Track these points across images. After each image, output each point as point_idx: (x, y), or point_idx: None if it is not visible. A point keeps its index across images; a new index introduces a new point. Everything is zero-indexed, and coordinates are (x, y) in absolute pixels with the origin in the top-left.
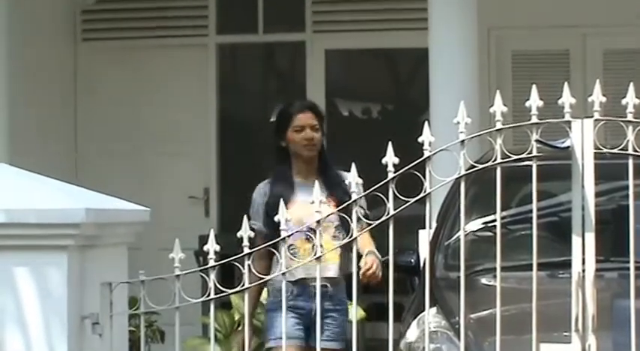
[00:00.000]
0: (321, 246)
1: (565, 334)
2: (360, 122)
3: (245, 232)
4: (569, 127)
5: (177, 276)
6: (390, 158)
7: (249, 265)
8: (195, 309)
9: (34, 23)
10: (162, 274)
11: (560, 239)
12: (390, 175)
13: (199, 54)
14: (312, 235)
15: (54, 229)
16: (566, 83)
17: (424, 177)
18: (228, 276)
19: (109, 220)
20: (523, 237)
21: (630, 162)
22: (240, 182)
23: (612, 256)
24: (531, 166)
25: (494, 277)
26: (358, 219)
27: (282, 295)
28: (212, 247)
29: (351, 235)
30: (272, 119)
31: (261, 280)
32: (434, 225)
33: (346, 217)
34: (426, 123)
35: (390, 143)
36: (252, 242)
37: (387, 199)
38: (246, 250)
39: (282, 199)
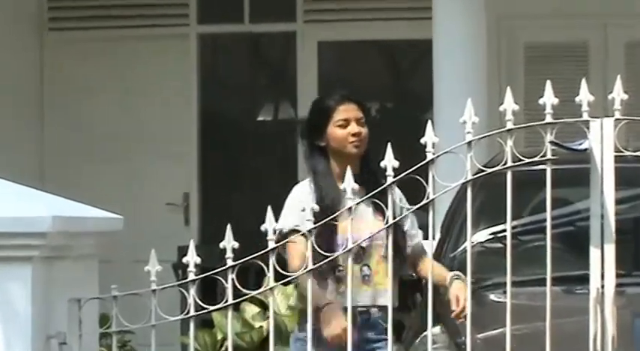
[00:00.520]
0: (369, 268)
1: None
2: None
3: (229, 243)
4: (587, 128)
5: (154, 291)
6: (389, 161)
7: (232, 280)
8: (174, 328)
9: None
10: (137, 288)
11: (577, 251)
12: (389, 180)
13: (179, 45)
14: (361, 255)
15: (17, 239)
16: (584, 79)
17: (427, 182)
18: (210, 291)
19: (78, 229)
20: (536, 249)
21: None
22: (224, 187)
23: (634, 270)
24: (545, 170)
25: (505, 292)
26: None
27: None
28: (192, 259)
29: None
30: (306, 115)
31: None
32: (438, 235)
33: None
34: (429, 122)
35: (389, 145)
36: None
37: (387, 205)
38: (230, 263)
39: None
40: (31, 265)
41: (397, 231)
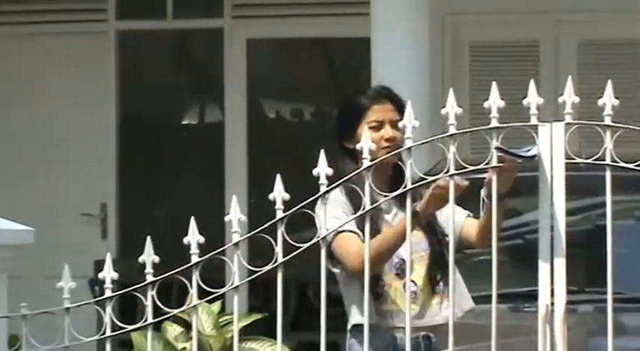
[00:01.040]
0: (415, 283)
1: None
2: (289, 125)
3: (148, 257)
4: (536, 133)
5: (67, 309)
6: (323, 169)
7: (152, 297)
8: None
9: None
10: (50, 306)
11: (525, 266)
12: (322, 190)
13: (96, 43)
14: (405, 270)
15: None
16: (532, 80)
17: (363, 191)
18: (130, 309)
19: None
20: (481, 263)
21: (608, 174)
22: (145, 196)
23: (587, 287)
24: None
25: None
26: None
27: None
28: (109, 274)
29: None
30: (335, 113)
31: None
32: None
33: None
34: (366, 127)
35: (321, 151)
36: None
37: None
38: (150, 278)
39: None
40: None
41: (439, 239)
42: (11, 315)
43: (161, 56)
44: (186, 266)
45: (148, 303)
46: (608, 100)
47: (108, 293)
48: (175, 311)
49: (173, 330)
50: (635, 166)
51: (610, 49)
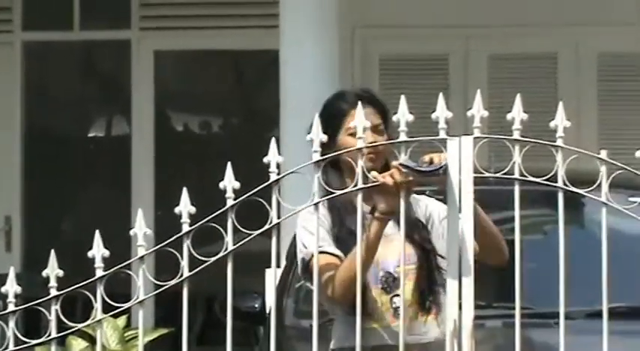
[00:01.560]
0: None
1: None
2: (197, 138)
3: (52, 271)
4: (445, 147)
5: None
6: (230, 182)
7: (56, 311)
8: None
9: None
10: None
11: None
12: (229, 203)
13: (1, 54)
14: (391, 284)
15: None
16: (441, 94)
17: (270, 205)
18: (35, 324)
19: None
20: None
21: (517, 188)
22: (51, 209)
23: (495, 302)
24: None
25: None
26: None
27: None
28: (12, 288)
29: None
30: (316, 117)
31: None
32: (283, 263)
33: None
34: (273, 140)
35: (229, 164)
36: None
37: (226, 231)
38: (54, 292)
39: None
40: None
41: (429, 253)
42: None
43: (68, 67)
44: (90, 280)
45: (52, 317)
46: (517, 114)
47: (11, 307)
48: (80, 326)
49: (78, 345)
50: (544, 180)
51: (522, 63)
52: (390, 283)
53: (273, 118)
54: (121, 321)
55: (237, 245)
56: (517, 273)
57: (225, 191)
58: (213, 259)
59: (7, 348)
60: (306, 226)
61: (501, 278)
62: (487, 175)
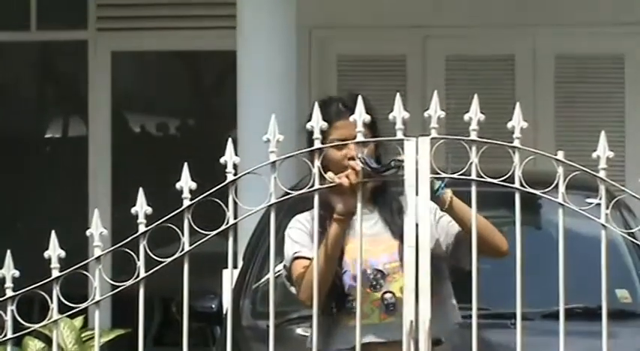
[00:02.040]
0: (393, 295)
1: None
2: (154, 139)
3: (8, 271)
4: (402, 147)
5: None
6: (186, 183)
7: (12, 311)
8: None
9: None
10: None
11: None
12: (186, 204)
13: None
14: (380, 281)
15: None
16: (398, 94)
17: (227, 206)
18: None
19: None
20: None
21: (473, 189)
22: (6, 210)
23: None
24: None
25: (310, 326)
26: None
27: None
28: None
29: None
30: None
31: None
32: (240, 264)
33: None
34: (229, 140)
35: (185, 165)
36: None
37: (182, 232)
38: (10, 293)
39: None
40: None
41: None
42: None
43: (24, 68)
44: (46, 280)
45: (8, 318)
46: (474, 115)
47: None
48: (36, 326)
49: (34, 345)
50: (501, 181)
51: (479, 65)
52: (379, 280)
53: (231, 119)
54: (78, 322)
55: (194, 246)
56: (474, 274)
57: (181, 192)
58: (169, 259)
59: None
60: (289, 234)
61: (458, 279)
62: (444, 175)
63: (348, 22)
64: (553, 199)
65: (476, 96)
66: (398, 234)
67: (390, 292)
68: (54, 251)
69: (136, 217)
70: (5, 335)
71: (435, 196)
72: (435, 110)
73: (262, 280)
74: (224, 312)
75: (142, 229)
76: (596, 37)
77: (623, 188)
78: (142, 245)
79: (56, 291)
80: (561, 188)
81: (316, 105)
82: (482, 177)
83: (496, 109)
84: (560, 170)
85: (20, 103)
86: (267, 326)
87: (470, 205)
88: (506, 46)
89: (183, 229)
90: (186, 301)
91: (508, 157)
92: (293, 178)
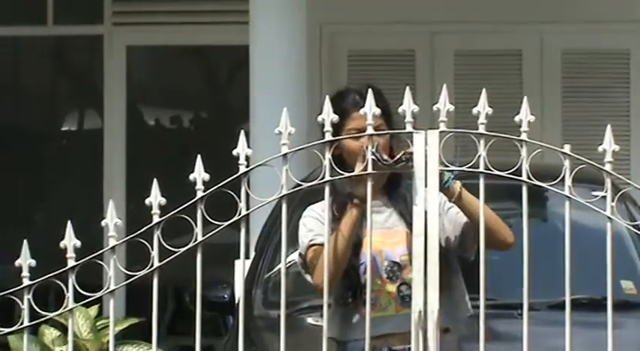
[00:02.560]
0: (409, 287)
1: None
2: (168, 132)
3: (25, 261)
4: (411, 140)
5: None
6: (199, 174)
7: (28, 300)
8: None
9: None
10: None
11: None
12: (199, 195)
13: None
14: (397, 273)
15: None
16: (407, 88)
17: (239, 197)
18: (9, 314)
19: None
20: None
21: (481, 181)
22: (23, 202)
23: None
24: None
25: (322, 316)
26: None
27: None
28: None
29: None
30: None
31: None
32: (252, 254)
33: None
34: (242, 133)
35: (199, 157)
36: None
37: (195, 222)
38: (26, 282)
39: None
40: None
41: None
42: None
43: (42, 62)
44: (62, 270)
45: (25, 306)
46: (482, 109)
47: None
48: (52, 314)
49: (50, 333)
50: (508, 174)
51: (487, 60)
52: (396, 272)
53: (244, 112)
54: (93, 310)
55: (207, 236)
56: (482, 265)
57: (195, 183)
58: (183, 249)
59: None
60: (304, 223)
61: (466, 270)
62: (452, 168)
63: (358, 18)
64: (560, 191)
65: (484, 90)
66: (408, 227)
67: (406, 283)
68: (69, 241)
69: (150, 207)
70: (22, 323)
71: (445, 187)
72: (443, 104)
73: (274, 270)
74: (236, 301)
75: (156, 219)
76: (601, 33)
77: (628, 181)
78: (156, 235)
79: (72, 280)
80: (568, 181)
81: (327, 99)
82: (490, 170)
83: (504, 104)
84: (567, 163)
85: (37, 98)
86: (279, 316)
87: (478, 197)
88: (513, 42)
89: (196, 219)
90: (199, 290)
91: (515, 151)
92: (305, 169)
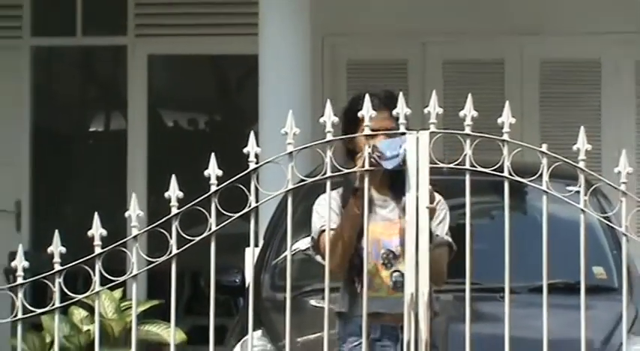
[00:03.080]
0: (402, 274)
1: None
2: (185, 133)
3: (56, 248)
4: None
5: None
6: (213, 170)
7: (59, 283)
8: (4, 331)
9: None
10: None
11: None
12: (213, 189)
13: (12, 57)
14: (392, 260)
15: None
16: (400, 93)
17: (249, 191)
18: (42, 296)
19: None
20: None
21: (467, 177)
22: (55, 195)
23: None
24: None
25: (324, 298)
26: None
27: (353, 339)
28: (20, 263)
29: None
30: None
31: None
32: (261, 243)
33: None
34: (252, 133)
35: (212, 155)
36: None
37: (210, 214)
38: (57, 267)
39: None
40: None
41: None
42: None
43: (71, 70)
44: (90, 256)
45: (56, 289)
46: (468, 112)
47: (19, 280)
48: (80, 297)
49: (79, 314)
50: (492, 170)
51: (473, 68)
52: (391, 260)
53: (253, 114)
54: (117, 293)
55: (220, 226)
56: (467, 253)
57: (209, 178)
58: (198, 238)
59: (16, 316)
60: (317, 210)
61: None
62: (441, 165)
63: (357, 30)
64: (538, 186)
65: (469, 96)
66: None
67: (399, 270)
68: (96, 230)
69: (169, 200)
70: (54, 305)
71: None
72: (433, 107)
73: (280, 257)
74: (246, 285)
75: (174, 211)
76: (576, 43)
77: (599, 177)
78: (174, 226)
79: (98, 266)
80: (545, 177)
81: (328, 103)
82: (475, 167)
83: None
84: (544, 161)
85: (67, 102)
86: (284, 298)
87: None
88: (496, 52)
89: (210, 211)
90: (213, 275)
91: (498, 150)
92: (309, 166)
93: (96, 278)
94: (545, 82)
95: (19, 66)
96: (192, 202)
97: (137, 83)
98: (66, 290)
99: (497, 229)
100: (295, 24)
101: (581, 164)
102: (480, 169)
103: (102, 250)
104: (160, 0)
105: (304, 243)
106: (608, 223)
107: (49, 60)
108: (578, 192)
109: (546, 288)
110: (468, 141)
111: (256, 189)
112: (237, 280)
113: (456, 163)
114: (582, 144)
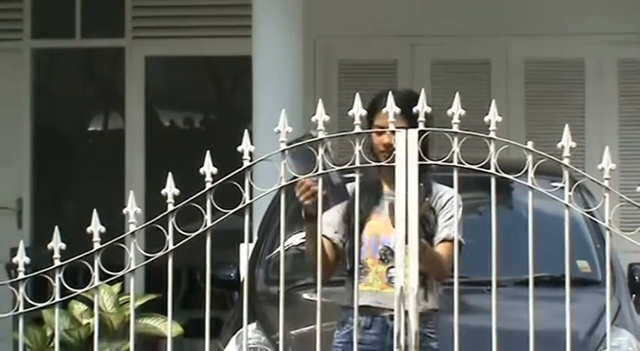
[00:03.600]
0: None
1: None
2: (181, 132)
3: (56, 244)
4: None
5: None
6: (208, 168)
7: (59, 278)
8: (6, 325)
9: None
10: None
11: None
12: (208, 186)
13: (13, 59)
14: (388, 256)
15: None
16: (390, 92)
17: (243, 188)
18: (43, 291)
19: None
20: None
21: (455, 174)
22: (55, 193)
23: None
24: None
25: (316, 292)
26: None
27: (346, 327)
28: (21, 259)
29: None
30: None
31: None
32: (255, 239)
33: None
34: (246, 132)
35: (207, 153)
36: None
37: (205, 210)
38: (57, 263)
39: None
40: None
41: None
42: None
43: (70, 71)
44: (89, 252)
45: (56, 284)
46: (456, 110)
47: (21, 275)
48: (80, 291)
49: (79, 308)
50: (479, 167)
51: (460, 68)
52: (388, 256)
53: (247, 113)
54: (116, 288)
55: (215, 222)
56: (455, 247)
57: (204, 176)
58: (194, 234)
59: (17, 310)
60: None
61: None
62: (430, 162)
63: (348, 32)
64: (523, 183)
65: (457, 95)
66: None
67: (394, 267)
68: (95, 227)
69: (166, 197)
70: (54, 299)
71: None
72: (422, 106)
73: (274, 252)
74: (241, 280)
75: (170, 207)
76: (560, 44)
77: (583, 173)
78: (171, 222)
79: (97, 261)
80: (530, 173)
81: (320, 102)
82: (462, 163)
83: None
84: (530, 158)
85: (66, 102)
86: (278, 292)
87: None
88: (483, 52)
89: (206, 208)
90: (208, 270)
91: (485, 147)
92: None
93: (95, 273)
94: (530, 82)
95: (20, 67)
96: (188, 199)
97: (134, 84)
98: (66, 285)
99: (485, 224)
100: (288, 26)
101: (566, 161)
102: (467, 165)
103: (101, 246)
104: (156, 3)
105: (297, 238)
106: (591, 218)
107: (48, 61)
108: (562, 188)
109: (532, 281)
110: (455, 139)
111: (250, 186)
112: (232, 275)
113: (444, 159)
114: (567, 141)
